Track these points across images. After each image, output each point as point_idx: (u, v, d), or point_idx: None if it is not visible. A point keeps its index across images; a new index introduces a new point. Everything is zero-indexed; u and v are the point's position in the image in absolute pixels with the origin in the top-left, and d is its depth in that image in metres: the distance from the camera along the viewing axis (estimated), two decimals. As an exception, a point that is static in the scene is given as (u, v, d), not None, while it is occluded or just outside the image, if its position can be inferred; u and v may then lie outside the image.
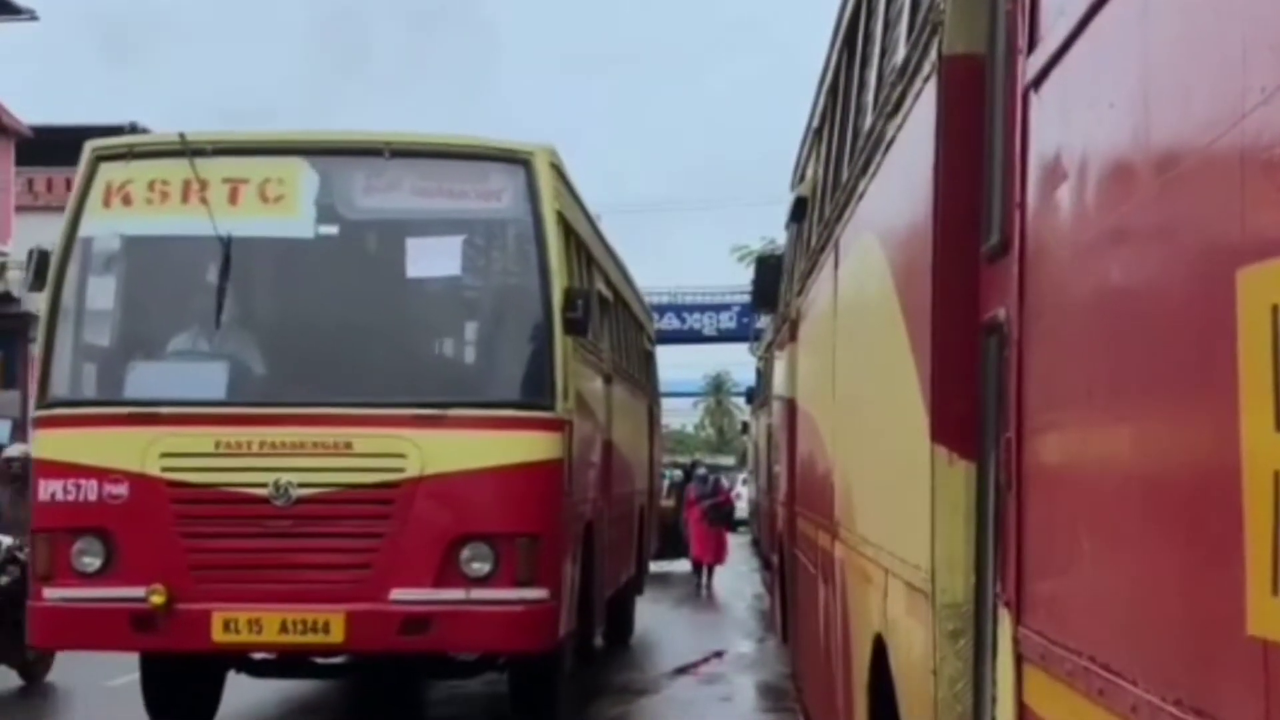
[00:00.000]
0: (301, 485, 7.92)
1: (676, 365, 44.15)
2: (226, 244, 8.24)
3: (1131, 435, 2.23)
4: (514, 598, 7.99)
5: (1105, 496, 2.33)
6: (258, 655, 8.82)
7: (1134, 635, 2.15)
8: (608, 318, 11.61)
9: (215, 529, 7.98)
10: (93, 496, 7.99)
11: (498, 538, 8.00)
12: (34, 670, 11.00)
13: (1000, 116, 3.27)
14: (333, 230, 8.62)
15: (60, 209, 9.05)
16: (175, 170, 8.31)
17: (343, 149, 8.68)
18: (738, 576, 23.65)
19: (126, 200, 8.37)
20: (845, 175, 6.18)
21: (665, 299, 44.04)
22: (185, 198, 8.30)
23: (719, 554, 22.79)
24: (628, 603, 14.59)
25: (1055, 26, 2.66)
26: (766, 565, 18.98)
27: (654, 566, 19.11)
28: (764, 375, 19.74)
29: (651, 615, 16.42)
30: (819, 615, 7.20)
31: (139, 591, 7.88)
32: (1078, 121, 2.54)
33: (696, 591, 21.95)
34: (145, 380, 8.34)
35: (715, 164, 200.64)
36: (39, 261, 8.35)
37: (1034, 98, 2.83)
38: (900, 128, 4.32)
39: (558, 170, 8.72)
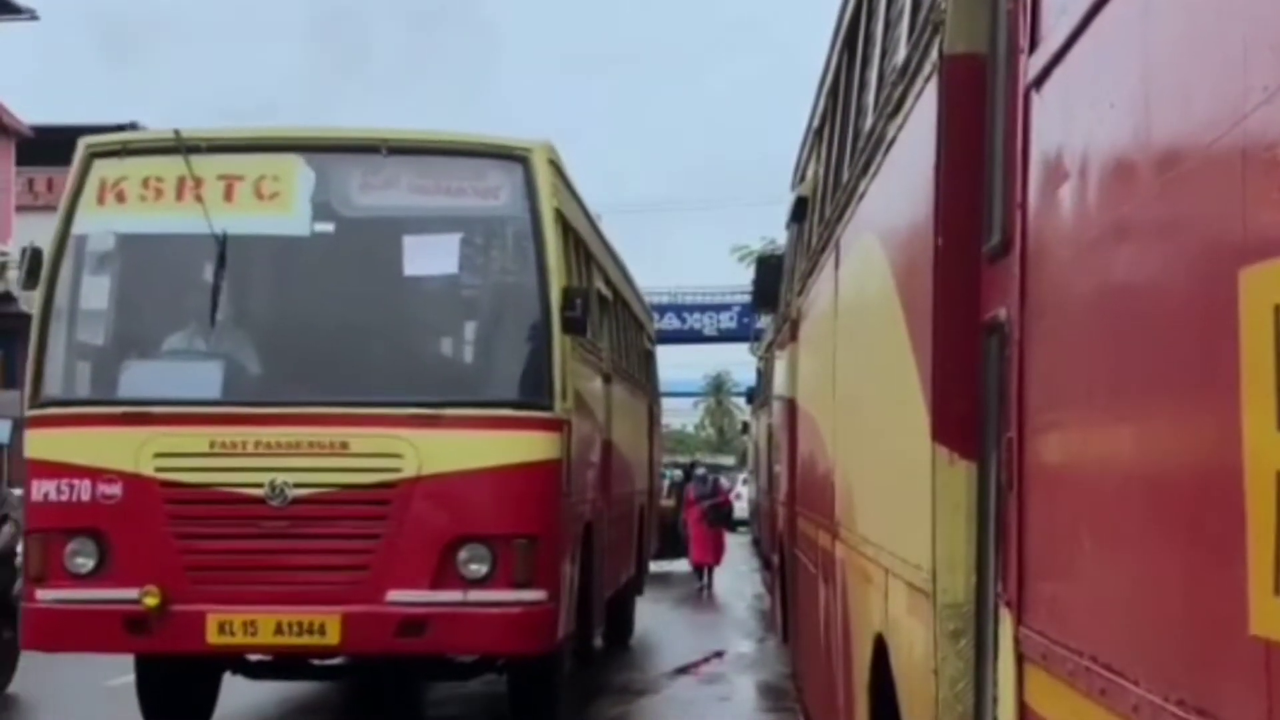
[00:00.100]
0: (297, 485, 7.88)
1: (676, 365, 44.29)
2: (221, 242, 8.18)
3: (1133, 435, 2.22)
4: (512, 599, 7.95)
5: (1107, 496, 2.33)
6: (253, 657, 8.79)
7: (1136, 635, 2.15)
8: (607, 316, 11.59)
9: (210, 530, 7.93)
10: (86, 497, 7.94)
11: (495, 539, 7.96)
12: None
13: (1001, 116, 3.26)
14: (329, 228, 8.55)
15: (61, 209, 9.01)
16: (170, 167, 8.26)
17: (339, 146, 8.61)
18: (738, 576, 23.66)
19: (120, 197, 8.32)
20: (846, 175, 6.18)
21: (665, 299, 44.10)
22: (180, 195, 8.25)
23: (718, 554, 22.81)
24: (628, 603, 14.58)
25: (1056, 26, 2.65)
26: (767, 565, 18.98)
27: (654, 566, 19.12)
28: (764, 375, 19.74)
29: (651, 615, 16.42)
30: (819, 615, 7.20)
31: (132, 593, 7.83)
32: (1079, 121, 2.53)
33: (698, 592, 21.97)
34: (139, 379, 8.29)
35: (715, 164, 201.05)
36: (32, 259, 8.30)
37: (1035, 97, 2.83)
38: (901, 128, 4.32)
39: (556, 167, 8.67)
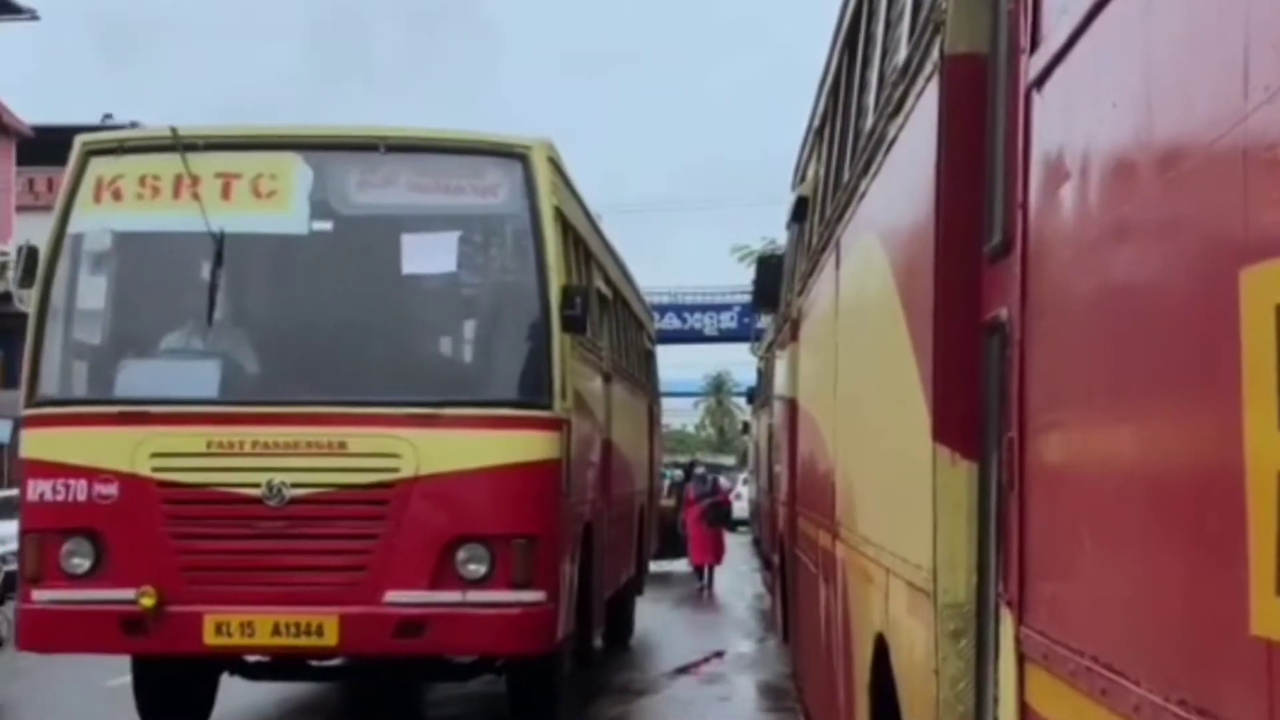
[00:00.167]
0: (295, 485, 7.86)
1: (677, 365, 44.27)
2: (219, 240, 8.16)
3: (1134, 435, 2.22)
4: (511, 600, 7.93)
5: (1108, 496, 2.33)
6: (251, 658, 8.77)
7: (1137, 635, 2.15)
8: (607, 315, 11.57)
9: (207, 530, 7.90)
10: (82, 497, 7.91)
11: (494, 539, 7.93)
12: None
13: (1002, 116, 3.26)
14: (327, 226, 8.52)
15: (61, 209, 8.98)
16: (167, 165, 8.22)
17: (337, 144, 8.58)
18: (738, 576, 23.65)
19: (117, 195, 8.28)
20: (846, 175, 6.18)
21: (665, 299, 44.10)
22: (177, 193, 8.22)
23: (718, 554, 22.81)
24: (628, 603, 14.57)
25: (1057, 26, 2.65)
26: (767, 565, 18.98)
27: (654, 566, 19.12)
28: (765, 375, 19.74)
29: (651, 615, 16.42)
30: (820, 615, 7.19)
31: (129, 593, 7.80)
32: (1080, 121, 2.53)
33: (698, 592, 21.97)
34: (136, 379, 8.26)
35: (715, 164, 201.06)
36: (28, 258, 8.26)
37: (1036, 97, 2.82)
38: (902, 128, 4.32)
39: (555, 165, 8.65)
